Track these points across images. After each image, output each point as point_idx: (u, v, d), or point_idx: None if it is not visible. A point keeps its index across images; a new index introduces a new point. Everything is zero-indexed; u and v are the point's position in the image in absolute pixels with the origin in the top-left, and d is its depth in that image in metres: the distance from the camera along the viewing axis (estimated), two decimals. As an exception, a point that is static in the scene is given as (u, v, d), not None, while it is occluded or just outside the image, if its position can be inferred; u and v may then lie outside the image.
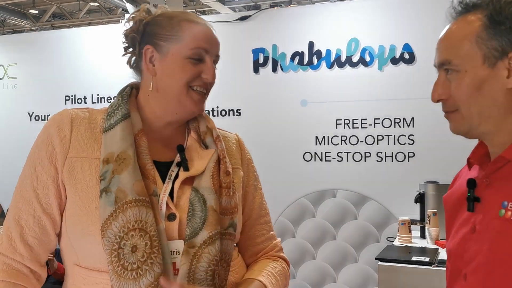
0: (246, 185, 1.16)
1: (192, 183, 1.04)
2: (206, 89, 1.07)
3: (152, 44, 1.05)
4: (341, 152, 3.09)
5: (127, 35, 1.09)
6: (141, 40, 1.07)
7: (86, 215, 0.98)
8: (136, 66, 1.11)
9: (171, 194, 1.02)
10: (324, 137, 3.12)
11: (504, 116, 0.89)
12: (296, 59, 3.19)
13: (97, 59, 3.73)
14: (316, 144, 3.14)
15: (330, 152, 3.11)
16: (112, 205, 0.96)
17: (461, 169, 1.13)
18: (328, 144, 3.12)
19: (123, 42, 1.11)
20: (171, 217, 1.00)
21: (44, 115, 3.88)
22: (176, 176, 1.04)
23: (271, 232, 1.20)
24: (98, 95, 3.74)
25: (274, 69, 3.22)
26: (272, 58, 3.22)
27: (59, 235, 1.06)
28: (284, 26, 3.23)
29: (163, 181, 1.03)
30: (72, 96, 3.82)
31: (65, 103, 3.81)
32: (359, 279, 3.04)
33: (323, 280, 3.11)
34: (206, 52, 1.05)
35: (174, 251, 0.99)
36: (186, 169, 1.04)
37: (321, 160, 3.12)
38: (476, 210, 0.93)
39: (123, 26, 1.13)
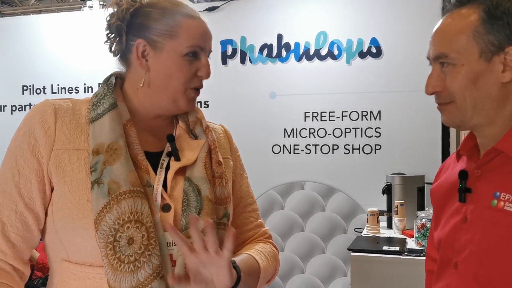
0: (234, 174, 1.15)
1: (184, 174, 1.02)
2: (201, 86, 1.06)
3: (144, 38, 1.01)
4: (310, 145, 3.12)
5: (111, 23, 1.05)
6: (128, 30, 1.03)
7: (77, 208, 0.95)
8: (121, 57, 1.07)
9: (164, 185, 1.00)
10: (292, 129, 3.14)
11: (497, 110, 0.92)
12: (265, 51, 3.19)
13: (56, 48, 3.59)
14: (284, 137, 3.15)
15: (298, 145, 3.14)
16: (106, 196, 0.93)
17: (445, 161, 1.16)
18: (296, 137, 3.14)
19: (107, 30, 1.06)
20: (165, 208, 0.99)
21: (1, 106, 3.70)
22: (167, 166, 1.02)
23: (259, 220, 1.21)
24: (58, 85, 3.60)
25: (242, 61, 3.20)
26: (241, 50, 3.20)
27: (43, 231, 1.01)
28: (253, 18, 3.21)
29: (155, 171, 1.01)
30: (30, 86, 3.66)
31: (23, 93, 3.64)
32: (326, 270, 3.09)
33: (291, 271, 3.14)
34: (201, 50, 1.03)
35: (170, 243, 0.97)
36: (178, 158, 1.02)
37: (290, 152, 3.14)
38: (467, 200, 0.96)
39: (104, 12, 1.07)
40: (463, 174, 0.97)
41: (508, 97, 0.92)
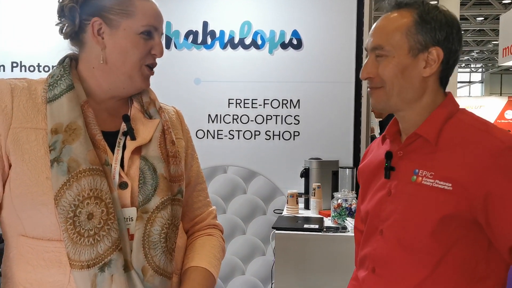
0: (186, 155, 1.22)
1: (140, 153, 1.08)
2: (155, 65, 1.11)
3: (99, 16, 1.04)
4: (233, 130, 3.23)
5: (64, 5, 1.06)
6: (81, 11, 1.06)
7: (36, 185, 0.97)
8: (74, 37, 1.09)
9: (121, 164, 1.05)
10: (216, 115, 3.23)
11: (417, 99, 1.09)
12: (190, 38, 3.23)
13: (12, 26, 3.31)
14: (208, 122, 3.23)
15: (222, 130, 3.23)
16: (65, 174, 0.96)
17: (370, 144, 1.33)
18: (220, 123, 3.23)
19: (58, 12, 1.08)
20: (123, 185, 1.04)
21: None
22: (124, 146, 1.07)
23: (207, 199, 1.29)
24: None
25: (167, 46, 3.22)
26: (166, 35, 3.21)
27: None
28: (178, 4, 3.23)
29: (112, 151, 1.05)
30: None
31: None
32: (247, 249, 3.24)
33: (213, 252, 3.24)
34: (155, 29, 1.09)
35: (127, 218, 1.02)
36: (133, 138, 1.07)
37: (213, 137, 3.23)
38: (391, 177, 1.13)
39: None
40: (388, 155, 1.13)
41: (426, 89, 1.09)
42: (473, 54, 21.99)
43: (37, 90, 1.03)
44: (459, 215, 1.00)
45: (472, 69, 26.34)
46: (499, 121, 17.92)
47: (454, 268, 1.03)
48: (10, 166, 0.99)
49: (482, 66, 25.54)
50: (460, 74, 23.71)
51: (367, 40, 1.12)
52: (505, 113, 17.99)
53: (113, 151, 1.06)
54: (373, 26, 1.12)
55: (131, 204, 1.04)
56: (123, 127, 1.09)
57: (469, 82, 26.51)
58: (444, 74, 1.09)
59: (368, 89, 1.13)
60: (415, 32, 1.05)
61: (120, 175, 1.04)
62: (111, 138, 1.07)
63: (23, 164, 0.97)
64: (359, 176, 1.30)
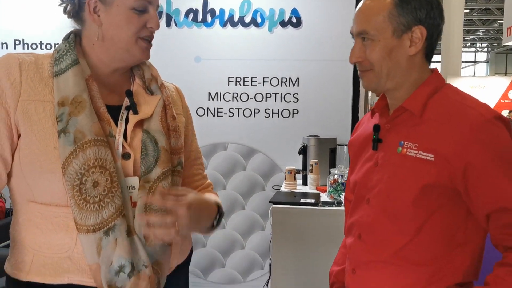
0: (186, 130, 1.29)
1: (142, 126, 1.14)
2: (152, 37, 1.16)
3: None
4: (232, 108, 3.28)
5: None
6: None
7: (44, 154, 1.03)
8: (76, 16, 1.14)
9: (124, 136, 1.11)
10: (216, 93, 3.28)
11: (405, 77, 1.14)
12: (190, 16, 3.25)
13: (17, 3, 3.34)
14: (209, 100, 3.28)
15: (222, 108, 3.29)
16: (72, 144, 1.02)
17: (361, 119, 1.39)
18: (220, 100, 3.28)
19: None
20: (126, 156, 1.10)
21: None
22: (126, 119, 1.13)
23: (205, 173, 1.36)
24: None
25: (168, 24, 3.25)
26: (166, 13, 3.24)
27: (9, 175, 1.08)
28: (178, -18, 3.25)
29: (115, 123, 1.11)
30: None
31: None
32: (246, 224, 3.33)
33: (213, 227, 3.33)
34: (149, 3, 1.13)
35: (130, 187, 1.09)
36: (136, 112, 1.13)
37: (213, 115, 3.29)
38: (378, 149, 1.19)
39: None
40: (376, 128, 1.19)
41: (413, 67, 1.14)
42: (479, 33, 21.81)
43: (44, 65, 1.09)
44: (440, 184, 1.06)
45: (478, 48, 26.15)
46: (503, 101, 17.87)
47: (434, 235, 1.10)
48: (19, 136, 1.05)
49: (487, 45, 25.35)
50: (465, 54, 23.57)
51: (351, 25, 1.16)
52: (509, 93, 17.91)
53: (116, 124, 1.12)
54: (356, 10, 1.16)
55: (133, 174, 1.10)
56: (126, 101, 1.14)
57: (474, 62, 26.35)
58: (429, 50, 1.14)
59: (359, 72, 1.18)
60: (396, 15, 1.10)
61: (123, 146, 1.10)
62: (114, 112, 1.13)
63: (32, 134, 1.04)
64: (349, 148, 1.36)
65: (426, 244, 1.10)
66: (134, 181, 1.10)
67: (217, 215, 1.18)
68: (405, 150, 1.12)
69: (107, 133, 1.08)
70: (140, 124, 1.14)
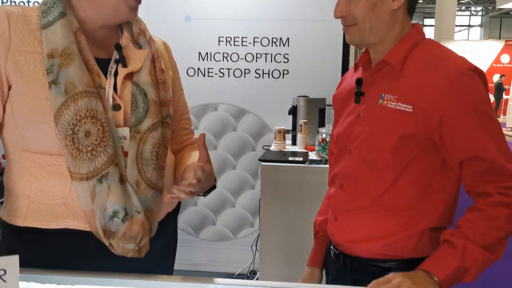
0: (174, 85, 1.31)
1: (132, 79, 1.16)
2: None
3: None
4: (223, 68, 3.29)
5: None
6: None
7: (36, 104, 1.06)
8: None
9: (114, 89, 1.14)
10: (207, 53, 3.28)
11: (387, 31, 1.17)
12: (180, -26, 3.21)
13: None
14: (199, 60, 3.29)
15: (212, 68, 3.29)
16: (63, 95, 1.05)
17: (345, 74, 1.42)
18: (210, 60, 3.29)
19: None
20: (116, 107, 1.13)
21: None
22: (116, 72, 1.15)
23: (192, 127, 1.40)
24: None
25: (157, -17, 3.21)
26: (156, -29, 3.20)
27: (0, 126, 1.11)
28: None
29: (105, 76, 1.14)
30: None
31: None
32: (237, 184, 3.40)
33: (204, 186, 3.40)
34: None
35: (121, 137, 1.13)
36: (125, 65, 1.16)
37: (204, 75, 3.30)
38: (361, 102, 1.23)
39: None
40: (358, 81, 1.23)
41: (395, 22, 1.17)
42: (473, -4, 21.56)
43: (32, 17, 1.10)
44: (417, 134, 1.11)
45: (472, 12, 25.90)
46: (495, 65, 17.86)
47: (411, 183, 1.16)
48: (9, 88, 1.08)
49: (482, 9, 25.10)
50: (459, 17, 23.35)
51: None
52: (501, 57, 17.89)
53: (106, 77, 1.14)
54: None
55: (124, 124, 1.14)
56: (115, 55, 1.16)
57: (469, 25, 26.14)
58: (411, 4, 1.17)
59: (343, 27, 1.20)
60: None
61: (113, 98, 1.13)
62: (103, 65, 1.15)
63: (23, 85, 1.06)
64: (333, 102, 1.40)
65: (403, 191, 1.16)
66: (125, 131, 1.13)
67: (212, 187, 1.25)
68: (385, 102, 1.16)
69: (97, 85, 1.10)
70: (129, 77, 1.17)
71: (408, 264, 1.14)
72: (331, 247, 1.36)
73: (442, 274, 1.04)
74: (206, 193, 1.22)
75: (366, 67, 1.25)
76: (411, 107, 1.11)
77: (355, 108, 1.25)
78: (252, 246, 3.20)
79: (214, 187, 1.23)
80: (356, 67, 1.30)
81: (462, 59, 1.11)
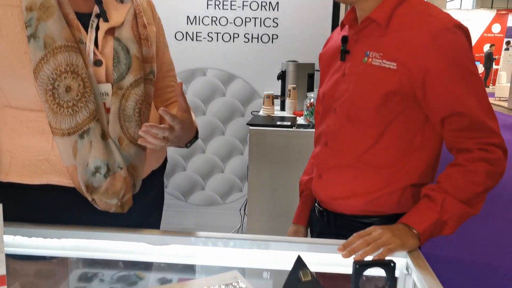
0: (158, 41, 1.30)
1: (113, 34, 1.15)
2: None
3: None
4: (211, 33, 3.25)
5: None
6: None
7: (15, 58, 1.04)
8: None
9: (95, 44, 1.12)
10: (195, 17, 3.23)
11: None
12: None
13: None
14: (187, 24, 3.24)
15: (201, 32, 3.25)
16: (42, 50, 1.03)
17: (332, 33, 1.41)
18: (199, 24, 3.24)
19: None
20: (98, 63, 1.12)
21: None
22: (97, 27, 1.13)
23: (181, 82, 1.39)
24: None
25: None
26: None
27: None
28: None
29: (85, 31, 1.12)
30: None
31: None
32: (225, 149, 3.41)
33: (193, 152, 3.41)
34: None
35: (103, 93, 1.12)
36: (106, 19, 1.14)
37: (192, 39, 3.26)
38: (346, 60, 1.23)
39: None
40: (344, 39, 1.22)
41: None
42: (466, -36, 21.26)
43: None
44: (401, 91, 1.11)
45: (464, -20, 25.59)
46: (486, 34, 17.82)
47: (394, 140, 1.16)
48: None
49: (474, -23, 24.80)
50: (452, -14, 23.06)
51: None
52: (492, 26, 17.83)
53: (86, 32, 1.12)
54: None
55: (106, 80, 1.13)
56: (96, 9, 1.14)
57: (461, -6, 25.87)
58: None
59: None
60: None
61: (94, 53, 1.12)
62: (83, 19, 1.13)
63: (2, 39, 1.04)
64: (320, 62, 1.39)
65: (386, 148, 1.17)
66: (107, 87, 1.12)
67: (193, 138, 1.25)
68: (370, 59, 1.16)
69: (78, 40, 1.09)
70: (111, 32, 1.15)
71: (390, 220, 1.16)
72: (316, 204, 1.38)
73: (421, 227, 1.06)
74: (188, 143, 1.22)
75: (352, 25, 1.24)
76: (395, 64, 1.11)
77: (340, 66, 1.24)
78: (240, 210, 3.24)
79: (196, 137, 1.23)
80: (342, 26, 1.29)
81: (447, 15, 1.11)
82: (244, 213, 3.16)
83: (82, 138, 1.08)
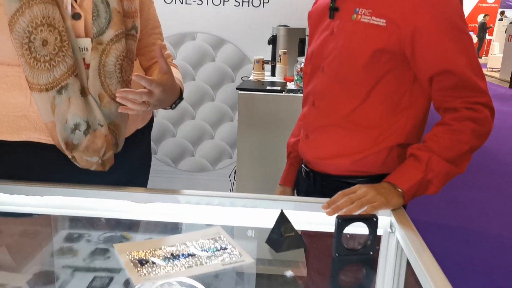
0: None
1: None
2: None
3: None
4: (201, -4, 3.18)
5: None
6: None
7: None
8: None
9: None
10: (184, -21, 3.14)
11: None
12: None
13: None
14: (176, -14, 3.16)
15: (190, -5, 3.17)
16: (17, 1, 1.00)
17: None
18: (188, -13, 3.16)
19: None
20: (76, 16, 1.08)
21: None
22: None
23: (164, 42, 1.35)
24: None
25: None
26: None
27: None
28: None
29: None
30: None
31: None
32: (215, 115, 3.38)
33: (182, 117, 3.38)
34: None
35: (82, 48, 1.09)
36: None
37: (182, 2, 3.18)
38: (335, 17, 1.20)
39: None
40: (333, -4, 1.19)
41: None
42: None
43: None
44: (390, 49, 1.09)
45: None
46: (480, 4, 17.65)
47: (381, 99, 1.15)
48: None
49: None
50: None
51: None
52: (487, -4, 17.64)
53: None
54: None
55: (85, 35, 1.09)
56: None
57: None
58: None
59: None
60: None
61: (73, 6, 1.08)
62: None
63: None
64: (308, 20, 1.36)
65: (374, 107, 1.16)
66: (86, 42, 1.09)
67: (178, 99, 1.22)
68: (359, 16, 1.13)
69: None
70: None
71: (376, 180, 1.16)
72: (302, 165, 1.37)
73: (405, 185, 1.06)
74: (173, 105, 1.20)
75: (341, -19, 1.20)
76: (384, 21, 1.08)
77: (329, 24, 1.21)
78: (230, 176, 3.24)
79: (180, 98, 1.21)
80: (331, -19, 1.25)
81: None
82: (234, 179, 3.16)
83: (60, 94, 1.05)
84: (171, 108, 1.22)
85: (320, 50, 1.23)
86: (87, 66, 1.09)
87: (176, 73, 1.29)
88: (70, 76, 1.05)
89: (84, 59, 1.09)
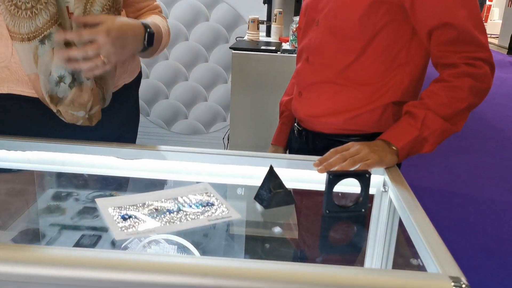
0: None
1: None
2: None
3: None
4: (194, -49, 3.06)
5: None
6: None
7: None
8: None
9: None
10: None
11: None
12: None
13: None
14: None
15: (183, -49, 3.05)
16: None
17: None
18: None
19: None
20: None
21: None
22: None
23: (156, 2, 1.29)
24: None
25: None
26: None
27: None
28: None
29: None
30: None
31: None
32: (209, 77, 3.31)
33: (175, 79, 3.32)
34: None
35: None
36: None
37: (174, -42, 3.07)
38: (331, -33, 1.14)
39: None
40: None
41: None
42: None
43: None
44: (388, 0, 1.04)
45: None
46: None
47: (378, 54, 1.11)
48: None
49: None
50: None
51: None
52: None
53: None
54: None
55: None
56: None
57: None
58: None
59: None
60: None
61: None
62: None
63: None
64: (304, -28, 1.30)
65: (370, 63, 1.11)
66: None
67: (145, 35, 1.10)
68: (355, -34, 1.07)
69: None
70: None
71: (369, 139, 1.13)
72: (295, 124, 1.34)
73: (400, 143, 1.03)
74: (144, 49, 1.11)
75: None
76: (383, -31, 1.03)
77: (325, -25, 1.16)
78: (223, 139, 3.21)
79: (149, 34, 1.10)
80: None
81: None
82: (227, 142, 3.13)
83: (43, 43, 1.00)
84: (145, 53, 1.12)
85: (315, 3, 1.18)
86: (71, 16, 1.04)
87: (155, 19, 1.21)
88: (53, 25, 1.00)
89: (68, 7, 1.04)
